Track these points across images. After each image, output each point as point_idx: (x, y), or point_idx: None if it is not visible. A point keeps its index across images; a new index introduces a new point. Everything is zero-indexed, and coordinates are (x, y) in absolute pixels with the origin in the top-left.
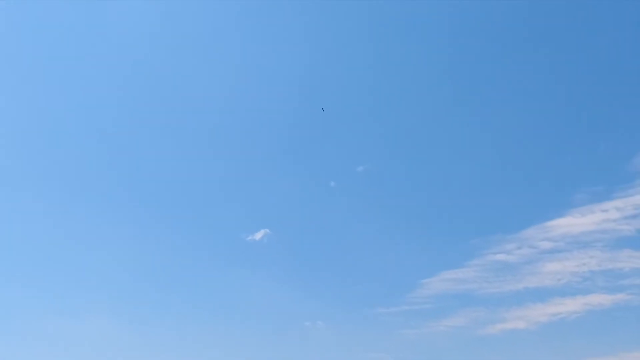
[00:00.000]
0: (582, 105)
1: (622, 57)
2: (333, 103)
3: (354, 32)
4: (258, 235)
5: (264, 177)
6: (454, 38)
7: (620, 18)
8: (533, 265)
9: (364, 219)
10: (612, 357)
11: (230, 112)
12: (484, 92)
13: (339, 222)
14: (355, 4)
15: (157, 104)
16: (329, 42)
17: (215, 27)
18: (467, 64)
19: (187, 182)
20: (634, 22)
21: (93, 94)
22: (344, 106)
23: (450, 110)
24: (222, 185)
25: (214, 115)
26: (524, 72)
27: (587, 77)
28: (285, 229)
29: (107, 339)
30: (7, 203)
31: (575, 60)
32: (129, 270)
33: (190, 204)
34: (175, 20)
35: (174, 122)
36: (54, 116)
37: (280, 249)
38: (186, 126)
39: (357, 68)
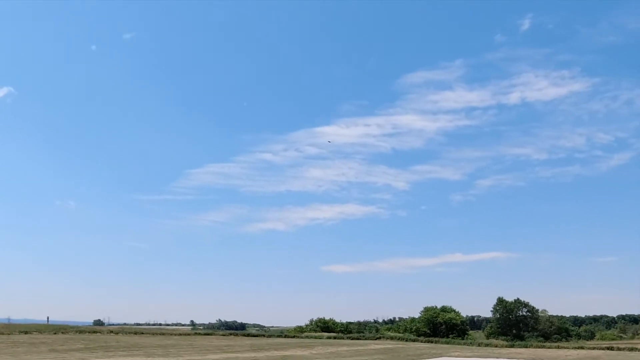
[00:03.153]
0: (355, 21)
1: None
2: None
3: None
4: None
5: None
6: None
7: None
8: (297, 169)
9: (126, 87)
10: (360, 265)
11: None
12: None
13: (102, 88)
14: None
15: None
16: None
17: None
18: None
19: None
20: None
21: None
22: None
23: None
24: None
25: None
26: None
27: None
28: (33, 90)
29: None
30: None
31: None
32: None
33: None
34: None
35: None
36: None
37: (27, 112)
38: None
39: None
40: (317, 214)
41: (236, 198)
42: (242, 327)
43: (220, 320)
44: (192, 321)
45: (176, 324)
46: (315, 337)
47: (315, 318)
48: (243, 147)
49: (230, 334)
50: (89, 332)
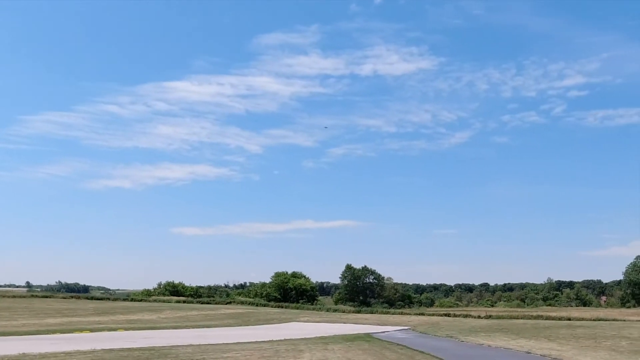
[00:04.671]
0: None
1: None
2: None
3: None
4: None
5: None
6: None
7: None
8: (145, 125)
9: None
10: (211, 228)
11: None
12: None
13: None
14: None
15: None
16: None
17: None
18: None
19: None
20: None
21: None
22: None
23: None
24: None
25: None
26: None
27: None
28: None
29: None
30: None
31: None
32: None
33: None
34: None
35: None
36: None
37: None
38: None
39: None
40: (166, 173)
41: (77, 151)
42: (85, 289)
43: (60, 282)
44: (28, 282)
45: (9, 285)
46: (164, 301)
47: (164, 281)
48: (85, 97)
49: (72, 297)
50: None
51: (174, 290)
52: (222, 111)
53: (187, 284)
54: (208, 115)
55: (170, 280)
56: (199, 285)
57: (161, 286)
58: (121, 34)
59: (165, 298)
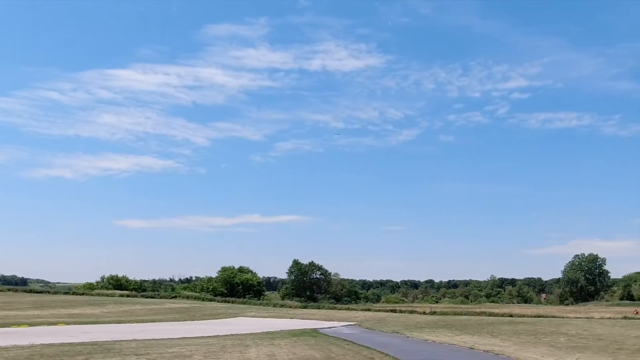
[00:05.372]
0: None
1: None
2: None
3: None
4: None
5: None
6: None
7: None
8: (88, 113)
9: None
10: (156, 221)
11: None
12: None
13: None
14: None
15: None
16: None
17: None
18: None
19: None
20: None
21: None
22: None
23: None
24: None
25: None
26: None
27: None
28: None
29: None
30: None
31: None
32: None
33: None
34: None
35: None
36: None
37: None
38: None
39: None
40: (110, 164)
41: (16, 138)
42: (23, 282)
43: None
44: None
45: None
46: (107, 295)
47: (107, 275)
48: (24, 82)
49: (9, 290)
50: None
51: (118, 284)
52: (168, 102)
53: (131, 277)
54: (153, 106)
55: (113, 273)
56: (143, 279)
57: (104, 280)
58: (63, 17)
59: (109, 292)
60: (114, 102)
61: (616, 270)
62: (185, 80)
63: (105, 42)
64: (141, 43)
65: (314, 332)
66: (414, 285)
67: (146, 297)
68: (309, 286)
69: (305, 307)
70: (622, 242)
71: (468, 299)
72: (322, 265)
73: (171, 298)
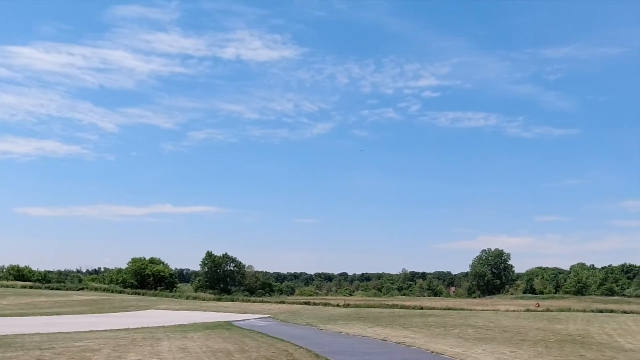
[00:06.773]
0: None
1: None
2: None
3: None
4: None
5: None
6: None
7: None
8: None
9: None
10: (61, 209)
11: None
12: None
13: None
14: None
15: None
16: None
17: None
18: None
19: None
20: None
21: None
22: None
23: None
24: None
25: None
26: None
27: None
28: None
29: None
30: None
31: None
32: None
33: None
34: None
35: None
36: None
37: None
38: None
39: None
40: (9, 147)
41: None
42: None
43: None
44: None
45: None
46: (8, 287)
47: (7, 265)
48: None
49: None
50: None
51: (19, 275)
52: (72, 84)
53: (34, 268)
54: (57, 87)
55: (14, 263)
56: (47, 269)
57: (4, 270)
58: None
59: (9, 283)
60: (13, 81)
61: (520, 265)
62: (91, 62)
63: (3, 16)
64: (42, 20)
65: (228, 325)
66: (328, 278)
67: (51, 289)
68: (222, 278)
69: (219, 300)
70: (524, 238)
71: (381, 291)
72: (236, 257)
73: (78, 290)
